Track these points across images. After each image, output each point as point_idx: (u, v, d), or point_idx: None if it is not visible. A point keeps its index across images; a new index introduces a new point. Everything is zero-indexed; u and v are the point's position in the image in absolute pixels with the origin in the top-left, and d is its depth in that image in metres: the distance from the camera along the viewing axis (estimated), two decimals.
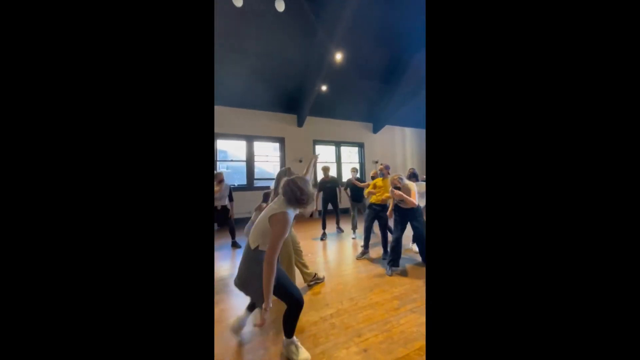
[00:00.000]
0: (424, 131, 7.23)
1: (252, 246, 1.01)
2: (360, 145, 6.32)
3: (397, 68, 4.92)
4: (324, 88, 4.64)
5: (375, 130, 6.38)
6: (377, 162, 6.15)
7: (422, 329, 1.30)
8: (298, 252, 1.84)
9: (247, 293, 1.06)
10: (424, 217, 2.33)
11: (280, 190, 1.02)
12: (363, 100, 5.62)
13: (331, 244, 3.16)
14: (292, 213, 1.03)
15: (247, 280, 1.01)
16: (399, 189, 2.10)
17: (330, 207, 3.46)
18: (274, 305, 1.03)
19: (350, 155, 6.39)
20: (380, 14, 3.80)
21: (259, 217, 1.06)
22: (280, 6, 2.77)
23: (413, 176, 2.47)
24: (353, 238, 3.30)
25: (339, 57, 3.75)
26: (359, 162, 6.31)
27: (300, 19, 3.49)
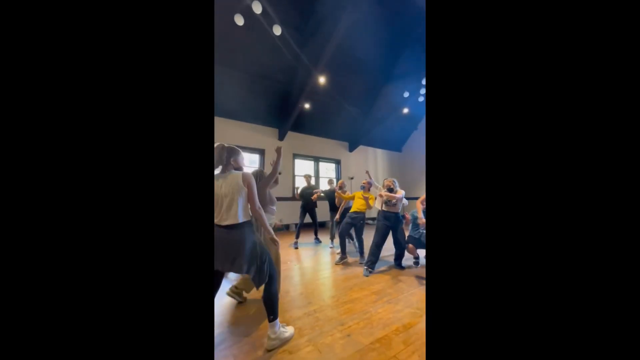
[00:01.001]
0: (392, 153, 8.05)
1: (243, 219, 1.09)
2: (337, 162, 6.72)
3: (371, 96, 5.60)
4: (307, 106, 4.99)
5: (351, 149, 6.90)
6: (352, 179, 6.55)
7: (399, 315, 1.45)
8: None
9: (250, 272, 1.09)
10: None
11: (223, 163, 1.13)
12: (341, 121, 6.14)
13: (309, 252, 3.20)
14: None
15: (251, 258, 1.09)
16: (392, 190, 2.35)
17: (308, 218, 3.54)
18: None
19: (328, 171, 6.70)
20: (360, 48, 4.43)
21: (226, 198, 1.08)
22: (277, 30, 3.08)
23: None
24: (331, 247, 3.39)
25: (322, 80, 4.17)
26: (336, 178, 6.64)
27: (291, 44, 3.87)
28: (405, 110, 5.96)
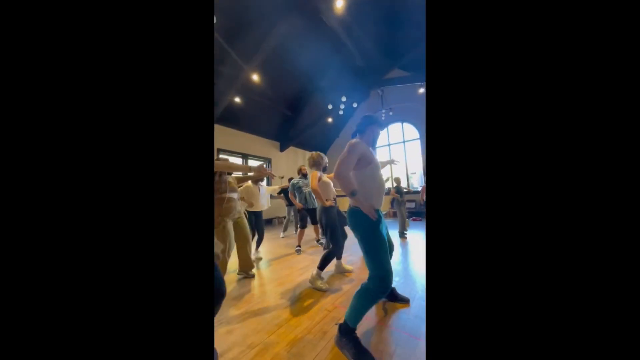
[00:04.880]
0: None
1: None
2: (268, 161, 6.80)
3: (301, 102, 6.15)
4: (237, 100, 4.84)
5: (282, 149, 7.18)
6: (282, 178, 6.82)
7: None
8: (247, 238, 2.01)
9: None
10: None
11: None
12: (274, 121, 6.32)
13: None
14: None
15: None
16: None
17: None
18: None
19: None
20: (292, 57, 4.83)
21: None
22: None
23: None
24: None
25: (255, 77, 4.24)
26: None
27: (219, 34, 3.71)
28: (330, 120, 6.91)
